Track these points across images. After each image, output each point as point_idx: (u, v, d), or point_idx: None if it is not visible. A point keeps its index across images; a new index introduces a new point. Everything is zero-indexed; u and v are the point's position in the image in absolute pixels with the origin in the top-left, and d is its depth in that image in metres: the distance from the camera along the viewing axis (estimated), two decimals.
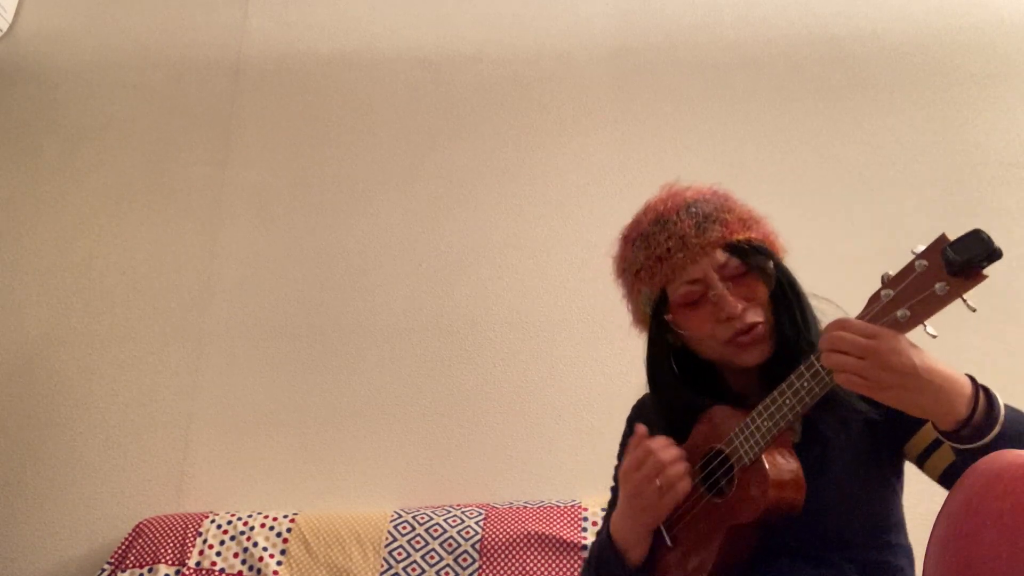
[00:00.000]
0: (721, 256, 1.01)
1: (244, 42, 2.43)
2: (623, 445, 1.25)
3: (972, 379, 0.86)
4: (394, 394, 2.08)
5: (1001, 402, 0.85)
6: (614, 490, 1.24)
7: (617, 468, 1.25)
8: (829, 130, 2.25)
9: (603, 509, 1.70)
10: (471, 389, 2.08)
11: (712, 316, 1.01)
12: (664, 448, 1.00)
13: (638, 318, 1.13)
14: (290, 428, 2.06)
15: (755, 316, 1.01)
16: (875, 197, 2.18)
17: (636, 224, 1.10)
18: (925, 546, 0.83)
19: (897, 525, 1.04)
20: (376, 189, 2.27)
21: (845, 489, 0.99)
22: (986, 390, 0.86)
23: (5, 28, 2.43)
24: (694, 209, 1.04)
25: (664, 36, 2.37)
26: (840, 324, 0.85)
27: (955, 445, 0.85)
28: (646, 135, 2.27)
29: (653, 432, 1.07)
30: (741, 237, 1.02)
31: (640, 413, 1.25)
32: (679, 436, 1.06)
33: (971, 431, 0.83)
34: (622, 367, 2.03)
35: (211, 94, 2.38)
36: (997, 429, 0.82)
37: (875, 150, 2.22)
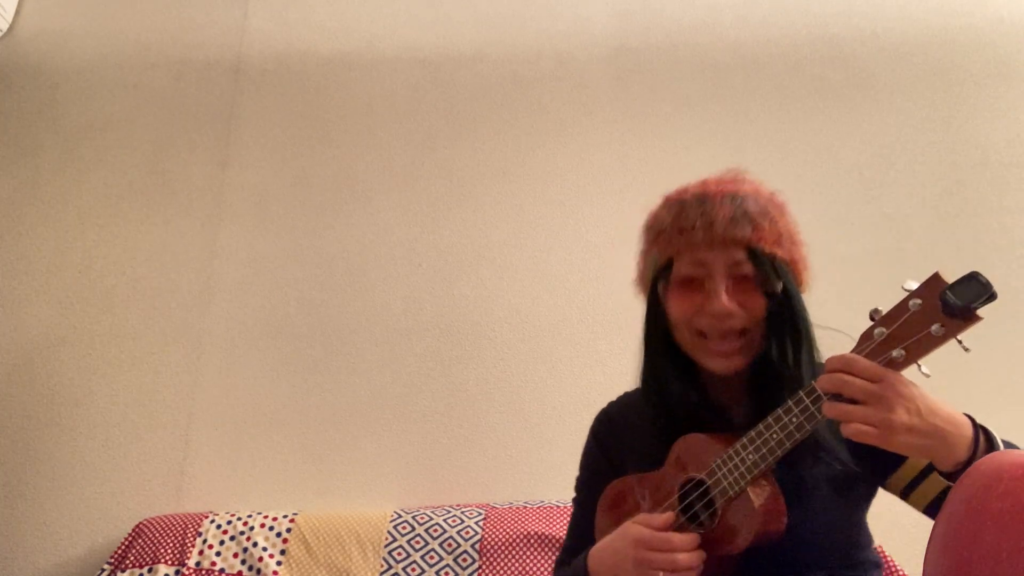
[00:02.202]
0: (739, 255, 0.98)
1: (244, 42, 2.43)
2: (586, 458, 1.23)
3: (971, 419, 0.85)
4: (394, 394, 2.08)
5: (1000, 442, 0.85)
6: (576, 502, 1.22)
7: (579, 480, 1.23)
8: (829, 130, 2.25)
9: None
10: (471, 389, 2.08)
11: (698, 304, 1.00)
12: (686, 551, 0.94)
13: (642, 278, 1.12)
14: (290, 428, 2.06)
15: (738, 324, 0.98)
16: (875, 197, 2.18)
17: (682, 191, 1.07)
18: (925, 546, 0.83)
19: (868, 542, 1.05)
20: (376, 189, 2.27)
21: (822, 516, 0.99)
22: (986, 431, 0.85)
23: (5, 28, 2.43)
24: (739, 202, 1.01)
25: (664, 36, 2.37)
26: (844, 364, 0.82)
27: (952, 485, 0.85)
28: (646, 135, 2.27)
29: (635, 424, 1.08)
30: (767, 249, 0.99)
31: (603, 425, 1.22)
32: (665, 425, 1.05)
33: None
34: (622, 367, 2.02)
35: (211, 94, 2.38)
36: None
37: (875, 150, 2.22)
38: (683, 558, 0.93)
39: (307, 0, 2.46)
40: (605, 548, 1.02)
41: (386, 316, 2.15)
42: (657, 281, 1.06)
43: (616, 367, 2.05)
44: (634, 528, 0.97)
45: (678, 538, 0.94)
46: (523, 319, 2.13)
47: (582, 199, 2.22)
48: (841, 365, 0.83)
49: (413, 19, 2.43)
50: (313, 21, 2.44)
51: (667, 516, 0.97)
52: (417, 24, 2.42)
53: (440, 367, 2.10)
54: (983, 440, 0.84)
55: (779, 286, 0.99)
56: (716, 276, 0.99)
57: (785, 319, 0.99)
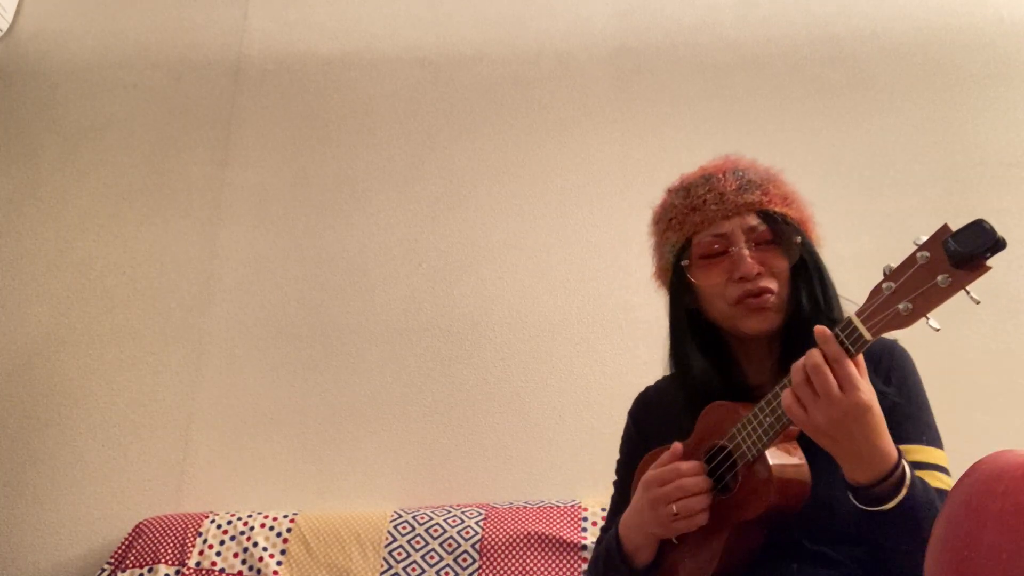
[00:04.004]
0: (753, 220, 1.04)
1: (244, 42, 2.43)
2: (624, 440, 1.25)
3: (904, 468, 0.88)
4: (394, 394, 2.08)
5: (910, 501, 0.86)
6: (616, 484, 1.23)
7: (619, 463, 1.24)
8: (829, 130, 2.25)
9: (603, 509, 1.70)
10: (471, 389, 2.08)
11: (727, 273, 1.03)
12: (692, 476, 0.96)
13: (660, 267, 1.15)
14: (290, 428, 2.06)
15: (768, 283, 1.02)
16: (875, 197, 2.18)
17: (684, 178, 1.13)
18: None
19: None
20: (376, 189, 2.27)
21: None
22: (909, 483, 0.87)
23: (5, 28, 2.43)
24: (741, 173, 1.07)
25: (664, 36, 2.37)
26: (832, 358, 0.84)
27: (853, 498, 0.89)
28: (646, 135, 2.27)
29: (670, 406, 1.10)
30: (778, 209, 1.05)
31: (641, 407, 1.24)
32: (691, 406, 1.06)
33: (863, 497, 0.88)
34: (622, 367, 2.03)
35: (211, 94, 2.38)
36: (880, 507, 0.86)
37: (875, 150, 2.22)
38: (689, 482, 0.95)
39: (307, 0, 2.46)
40: (630, 508, 1.05)
41: (386, 316, 2.15)
42: (678, 263, 1.09)
43: (616, 367, 2.04)
44: (649, 472, 1.00)
45: (683, 465, 0.97)
46: (523, 319, 2.13)
47: (582, 199, 2.22)
48: (819, 340, 0.86)
49: (413, 19, 2.43)
50: (313, 21, 2.44)
51: (675, 448, 1.00)
52: (417, 24, 2.42)
53: (440, 367, 2.10)
54: (890, 485, 0.86)
55: (797, 239, 1.04)
56: (736, 242, 1.03)
57: (808, 268, 1.04)
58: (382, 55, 2.40)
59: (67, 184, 2.30)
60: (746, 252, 1.02)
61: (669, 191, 1.14)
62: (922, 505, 0.87)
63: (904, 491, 0.86)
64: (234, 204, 2.27)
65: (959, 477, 0.81)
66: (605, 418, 1.97)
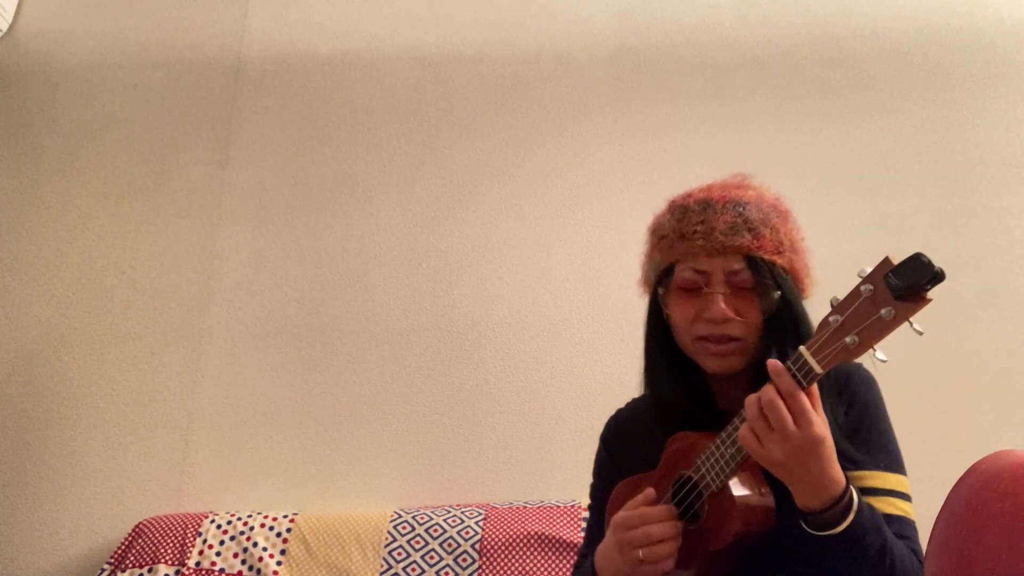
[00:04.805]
0: (737, 263, 1.00)
1: (244, 42, 2.43)
2: (597, 465, 1.26)
3: (852, 495, 0.89)
4: (394, 394, 2.08)
5: (857, 526, 0.88)
6: (591, 509, 1.24)
7: (593, 487, 1.25)
8: (829, 130, 2.25)
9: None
10: (471, 389, 2.08)
11: (697, 309, 1.02)
12: (659, 522, 0.96)
13: (644, 280, 1.15)
14: (290, 428, 2.06)
15: (735, 331, 1.00)
16: (875, 197, 2.18)
17: (687, 195, 1.09)
18: (925, 546, 0.83)
19: None
20: (376, 189, 2.27)
21: None
22: (856, 508, 0.88)
23: (5, 28, 2.43)
24: (740, 209, 1.02)
25: (664, 36, 2.37)
26: (786, 392, 0.85)
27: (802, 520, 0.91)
28: (646, 135, 2.27)
29: (641, 429, 1.10)
30: (766, 257, 1.01)
31: (613, 432, 1.25)
32: (663, 430, 1.06)
33: (812, 522, 0.89)
34: (622, 367, 2.03)
35: (211, 94, 2.38)
36: (828, 532, 0.88)
37: (875, 150, 2.22)
38: (655, 529, 0.95)
39: (307, 0, 2.46)
40: (604, 544, 1.04)
41: (386, 316, 2.15)
42: (658, 285, 1.08)
43: (616, 367, 2.05)
44: (618, 515, 1.00)
45: (650, 510, 0.97)
46: (523, 319, 2.13)
47: (582, 199, 2.22)
48: (771, 373, 0.87)
49: (413, 19, 2.43)
50: (313, 21, 2.44)
51: (647, 493, 1.00)
52: (417, 24, 2.42)
53: (440, 367, 2.10)
54: (835, 515, 0.88)
55: (776, 294, 1.00)
56: (714, 283, 1.01)
57: (785, 325, 1.01)
58: (382, 55, 2.40)
59: (67, 184, 2.30)
60: (720, 296, 1.00)
61: (671, 205, 1.11)
62: (869, 531, 0.88)
63: (851, 516, 0.87)
64: (234, 204, 2.27)
65: (959, 477, 0.82)
66: (605, 418, 1.96)
